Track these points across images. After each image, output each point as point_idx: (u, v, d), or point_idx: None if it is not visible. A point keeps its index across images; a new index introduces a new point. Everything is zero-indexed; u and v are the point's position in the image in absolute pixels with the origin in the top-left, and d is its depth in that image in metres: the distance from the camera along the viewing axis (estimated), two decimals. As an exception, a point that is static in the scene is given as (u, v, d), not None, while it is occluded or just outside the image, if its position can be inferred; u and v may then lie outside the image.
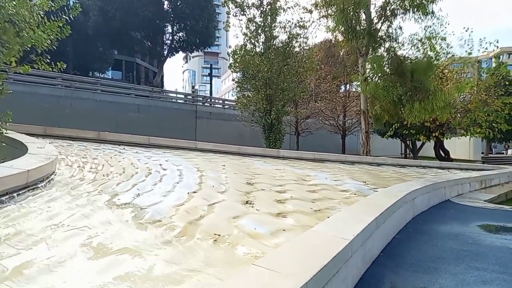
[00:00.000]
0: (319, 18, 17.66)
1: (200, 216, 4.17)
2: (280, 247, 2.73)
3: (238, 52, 18.87)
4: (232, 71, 22.38)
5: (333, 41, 22.74)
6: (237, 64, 19.01)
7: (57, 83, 20.14)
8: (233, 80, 23.84)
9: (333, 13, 16.55)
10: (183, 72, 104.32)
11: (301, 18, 19.19)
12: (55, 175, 5.50)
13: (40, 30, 6.51)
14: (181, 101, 29.88)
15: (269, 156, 13.58)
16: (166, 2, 35.89)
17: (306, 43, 19.73)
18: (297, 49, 19.60)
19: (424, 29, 15.47)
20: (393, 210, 4.38)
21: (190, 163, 9.04)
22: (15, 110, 6.88)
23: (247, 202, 5.07)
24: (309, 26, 18.98)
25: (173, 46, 37.80)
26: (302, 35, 19.23)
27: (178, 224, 3.75)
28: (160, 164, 8.12)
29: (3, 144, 6.41)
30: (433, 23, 15.37)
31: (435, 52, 15.14)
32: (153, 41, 38.60)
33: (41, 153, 5.82)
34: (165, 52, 38.56)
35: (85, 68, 34.93)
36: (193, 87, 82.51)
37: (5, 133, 6.55)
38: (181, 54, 51.37)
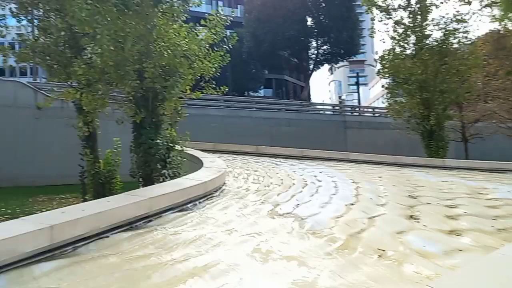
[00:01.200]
0: (481, 8, 15.35)
1: (360, 229, 4.04)
2: (459, 269, 2.40)
3: (386, 57, 17.85)
4: (380, 77, 21.31)
5: (501, 31, 19.33)
6: (386, 70, 17.98)
7: (220, 104, 22.87)
8: (382, 86, 22.66)
9: (499, 0, 14.20)
10: (329, 84, 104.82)
11: (458, 12, 16.99)
12: (225, 186, 6.20)
13: (206, 60, 7.56)
14: (329, 112, 30.01)
15: (432, 166, 12.28)
16: (309, 19, 37.01)
17: (466, 37, 17.33)
18: (455, 45, 17.38)
19: None
20: None
21: (344, 174, 8.92)
22: (190, 130, 8.06)
23: (411, 217, 4.67)
24: (468, 19, 16.65)
25: (318, 59, 38.53)
26: (460, 30, 16.99)
27: (339, 236, 3.72)
28: (315, 176, 8.27)
29: (184, 159, 7.58)
30: None
31: None
32: (299, 58, 40.15)
33: (214, 167, 6.66)
34: (311, 66, 39.57)
35: (241, 89, 38.72)
36: (339, 97, 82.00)
37: (185, 150, 7.74)
38: (326, 66, 51.83)
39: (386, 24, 17.95)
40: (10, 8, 8.20)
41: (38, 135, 16.12)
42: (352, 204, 5.28)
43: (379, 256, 3.25)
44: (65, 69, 8.04)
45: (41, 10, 8.50)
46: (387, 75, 18.59)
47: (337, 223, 4.23)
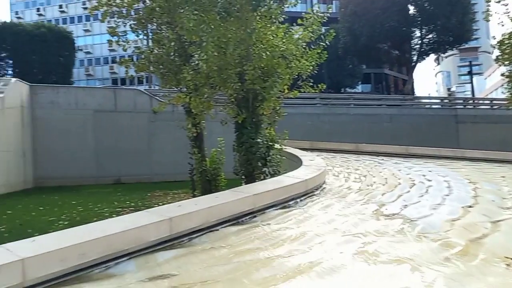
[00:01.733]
0: None
1: (482, 234, 3.62)
2: None
3: (507, 42, 15.60)
4: (499, 65, 18.72)
5: None
6: (506, 56, 15.74)
7: (316, 102, 22.64)
8: (502, 75, 19.90)
9: None
10: (435, 75, 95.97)
11: None
12: (325, 184, 6.13)
13: (304, 59, 7.53)
14: (437, 106, 27.44)
15: None
16: (411, 8, 34.33)
17: None
18: None
19: None
20: None
21: (458, 173, 8.07)
22: (288, 128, 8.13)
23: (547, 223, 4.03)
24: None
25: (422, 50, 35.48)
26: None
27: (456, 241, 3.38)
28: (423, 175, 7.66)
29: (283, 158, 7.70)
30: None
31: None
32: (400, 49, 37.58)
33: (313, 165, 6.64)
34: (414, 58, 36.69)
35: (337, 86, 37.79)
36: (448, 89, 74.53)
37: (284, 148, 7.85)
38: (431, 57, 47.56)
39: (506, 5, 15.71)
40: (130, 25, 9.31)
41: (153, 137, 18.02)
42: (470, 207, 4.76)
43: (507, 265, 2.87)
44: (176, 76, 8.82)
45: (155, 24, 9.46)
46: (508, 62, 16.31)
47: (453, 227, 3.85)
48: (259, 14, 6.67)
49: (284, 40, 7.17)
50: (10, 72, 32.20)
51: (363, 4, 32.93)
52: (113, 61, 50.92)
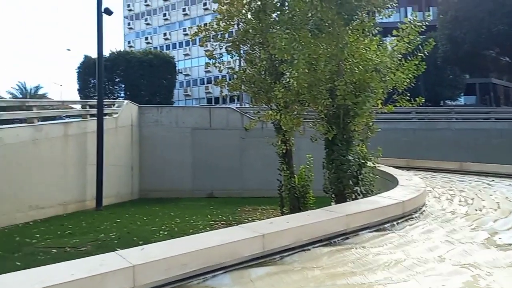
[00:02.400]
0: None
1: None
2: None
3: None
4: None
5: None
6: None
7: (412, 117, 21.18)
8: None
9: None
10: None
11: None
12: (425, 206, 5.64)
13: (399, 71, 7.10)
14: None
15: None
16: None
17: None
18: None
19: None
20: None
21: None
22: (381, 145, 7.70)
23: None
24: None
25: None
26: None
27: None
28: (546, 200, 6.60)
29: (377, 176, 7.31)
30: None
31: None
32: (511, 55, 33.37)
33: (410, 185, 6.17)
34: (532, 64, 32.26)
35: (435, 98, 34.91)
36: None
37: (377, 166, 7.46)
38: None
39: None
40: (225, 47, 9.93)
41: (244, 153, 18.69)
42: None
43: None
44: (267, 94, 9.09)
45: (248, 45, 9.92)
46: None
47: None
48: (351, 28, 6.55)
49: (378, 53, 6.89)
50: (122, 94, 36.63)
51: (466, 8, 30.16)
52: (209, 82, 54.60)
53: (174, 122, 18.20)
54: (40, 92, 44.70)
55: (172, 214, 11.64)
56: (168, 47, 59.00)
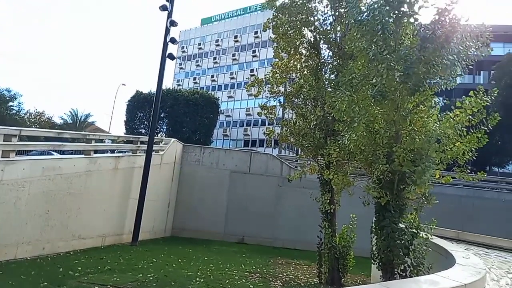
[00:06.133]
0: None
1: None
2: None
3: None
4: None
5: None
6: None
7: (459, 183, 20.23)
8: None
9: None
10: None
11: None
12: (488, 293, 5.18)
13: (459, 142, 6.86)
14: None
15: None
16: None
17: None
18: None
19: None
20: None
21: None
22: (426, 211, 7.23)
23: None
24: None
25: None
26: None
27: None
28: None
29: (429, 249, 6.88)
30: None
31: None
32: None
33: (470, 265, 5.72)
34: None
35: (483, 163, 33.36)
36: None
37: (430, 238, 7.04)
38: None
39: None
40: (279, 100, 10.17)
41: (280, 201, 18.43)
42: None
43: None
44: (317, 149, 9.07)
45: (301, 99, 10.11)
46: None
47: None
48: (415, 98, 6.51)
49: (439, 123, 6.73)
50: (164, 129, 37.99)
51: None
52: (248, 124, 55.81)
53: (215, 163, 18.45)
54: (90, 120, 47.45)
55: (205, 258, 11.46)
56: (214, 88, 61.46)
